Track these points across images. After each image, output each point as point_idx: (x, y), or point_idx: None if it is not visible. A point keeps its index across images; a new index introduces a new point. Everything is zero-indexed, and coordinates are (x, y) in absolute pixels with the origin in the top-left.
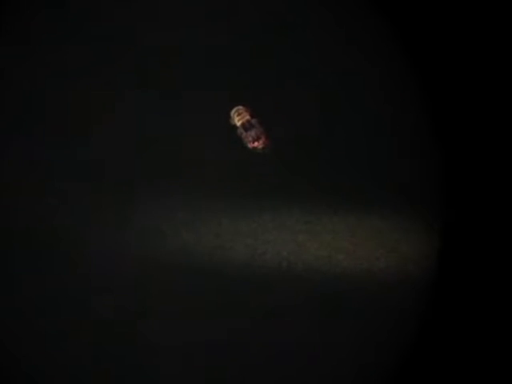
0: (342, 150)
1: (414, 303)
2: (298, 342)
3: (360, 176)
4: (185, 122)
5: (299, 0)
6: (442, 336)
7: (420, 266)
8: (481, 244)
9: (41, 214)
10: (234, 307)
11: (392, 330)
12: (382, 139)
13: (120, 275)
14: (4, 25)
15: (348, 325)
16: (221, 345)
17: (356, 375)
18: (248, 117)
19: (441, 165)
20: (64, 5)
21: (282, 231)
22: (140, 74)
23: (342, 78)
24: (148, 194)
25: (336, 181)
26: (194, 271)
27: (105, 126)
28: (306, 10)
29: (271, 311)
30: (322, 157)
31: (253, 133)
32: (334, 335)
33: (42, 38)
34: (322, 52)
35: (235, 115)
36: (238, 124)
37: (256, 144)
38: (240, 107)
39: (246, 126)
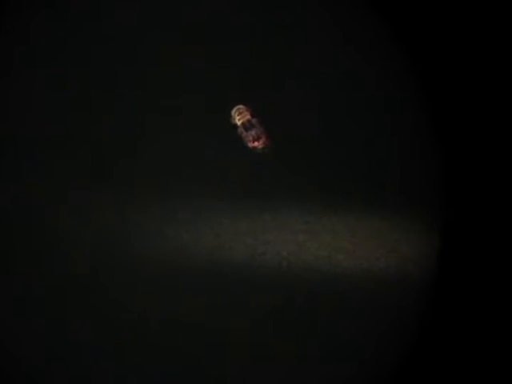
0: (341, 150)
1: (414, 303)
2: (297, 342)
3: (360, 176)
4: (185, 122)
5: (299, 1)
6: (442, 336)
7: (420, 266)
8: (480, 244)
9: (41, 213)
10: (234, 307)
11: (392, 330)
12: (381, 139)
13: (120, 275)
14: (4, 25)
15: (348, 325)
16: (221, 345)
17: (356, 375)
18: (249, 116)
19: (441, 165)
20: (64, 5)
21: (282, 231)
22: (140, 74)
23: (342, 78)
24: (148, 193)
25: (336, 181)
26: (193, 271)
27: (105, 126)
28: (307, 10)
29: (271, 311)
30: (321, 157)
31: (253, 132)
32: (333, 335)
33: (41, 38)
34: (322, 52)
35: (236, 114)
36: (239, 123)
37: (256, 144)
38: (241, 106)
39: (247, 126)
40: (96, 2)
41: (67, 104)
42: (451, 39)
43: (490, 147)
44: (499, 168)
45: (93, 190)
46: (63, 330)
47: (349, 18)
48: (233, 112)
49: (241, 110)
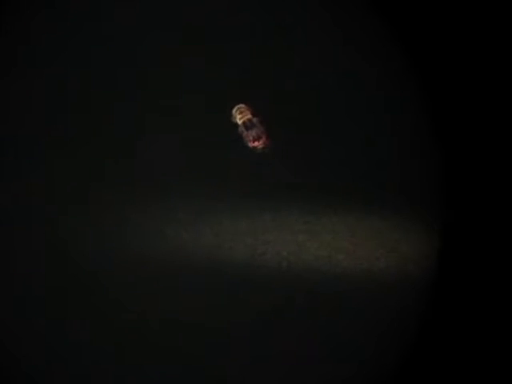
0: (341, 150)
1: (414, 303)
2: (298, 342)
3: (360, 176)
4: (185, 122)
5: (299, 1)
6: (442, 336)
7: (420, 266)
8: (481, 244)
9: (41, 213)
10: (233, 307)
11: (392, 330)
12: (381, 139)
13: (120, 275)
14: (4, 25)
15: (348, 325)
16: (221, 345)
17: (356, 375)
18: (249, 115)
19: (441, 165)
20: (64, 5)
21: (282, 231)
22: (140, 74)
23: (342, 78)
24: (148, 193)
25: (336, 181)
26: (194, 271)
27: (104, 126)
28: (307, 10)
29: (271, 311)
30: (321, 157)
31: (253, 132)
32: (334, 335)
33: (41, 37)
34: (322, 52)
35: (237, 113)
36: (240, 122)
37: (256, 143)
38: (242, 105)
39: (247, 125)
40: (96, 1)
41: (67, 104)
42: (451, 39)
43: (490, 147)
44: (499, 168)
45: (93, 189)
46: (63, 330)
47: (349, 18)
48: (234, 111)
49: (242, 109)
